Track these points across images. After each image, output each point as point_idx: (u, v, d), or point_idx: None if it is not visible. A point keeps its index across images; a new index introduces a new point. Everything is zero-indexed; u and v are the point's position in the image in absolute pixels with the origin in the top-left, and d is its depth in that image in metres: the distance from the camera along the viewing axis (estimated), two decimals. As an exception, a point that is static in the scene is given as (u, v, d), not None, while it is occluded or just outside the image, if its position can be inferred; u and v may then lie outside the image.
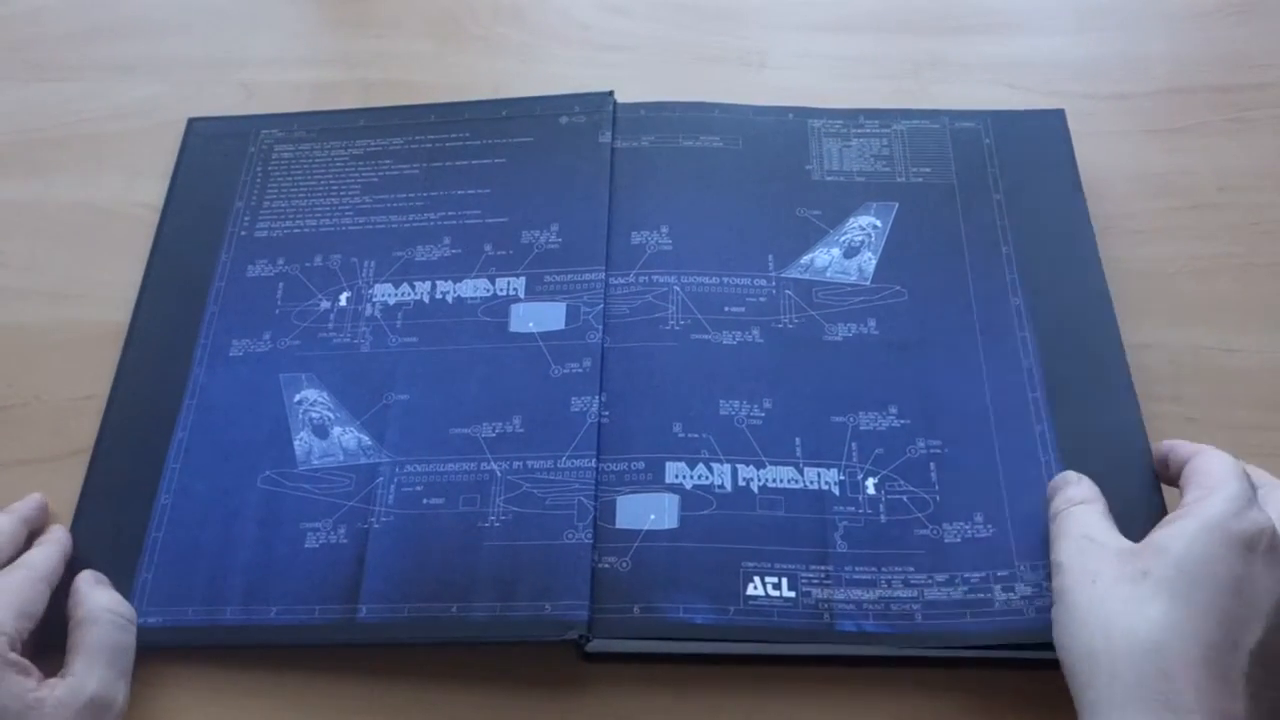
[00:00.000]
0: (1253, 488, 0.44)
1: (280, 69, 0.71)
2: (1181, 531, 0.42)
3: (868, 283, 0.59)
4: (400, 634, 0.49)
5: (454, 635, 0.48)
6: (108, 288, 0.62)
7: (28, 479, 0.55)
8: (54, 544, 0.50)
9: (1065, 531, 0.46)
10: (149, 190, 0.66)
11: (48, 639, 0.47)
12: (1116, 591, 0.41)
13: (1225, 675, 0.39)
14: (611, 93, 0.66)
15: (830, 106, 0.66)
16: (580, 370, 0.55)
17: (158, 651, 0.49)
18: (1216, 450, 0.47)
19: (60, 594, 0.48)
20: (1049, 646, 0.45)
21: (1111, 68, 0.70)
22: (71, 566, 0.50)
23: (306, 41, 0.74)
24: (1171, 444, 0.50)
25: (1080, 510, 0.47)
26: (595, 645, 0.49)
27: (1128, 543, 0.44)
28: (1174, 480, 0.48)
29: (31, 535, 0.52)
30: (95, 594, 0.48)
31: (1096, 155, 0.65)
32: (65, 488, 0.55)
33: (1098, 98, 0.68)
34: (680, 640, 0.49)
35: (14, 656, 0.43)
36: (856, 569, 0.50)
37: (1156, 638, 0.39)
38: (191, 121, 0.68)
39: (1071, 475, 0.50)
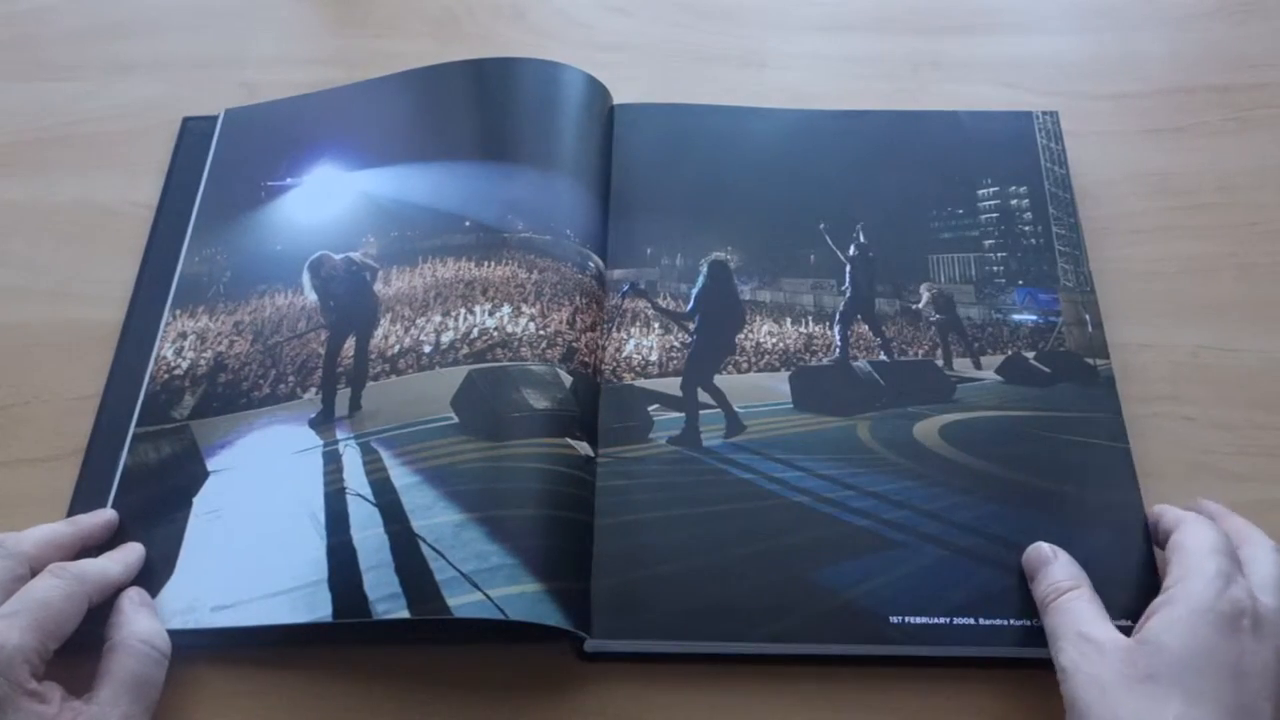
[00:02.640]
0: (1231, 560, 0.45)
1: (280, 69, 0.71)
2: (1172, 622, 0.43)
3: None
4: None
5: None
6: (107, 287, 0.62)
7: (27, 478, 0.56)
8: (117, 564, 0.49)
9: (1060, 630, 0.46)
10: (149, 189, 0.66)
11: (83, 638, 0.46)
12: (1128, 701, 0.41)
13: None
14: None
15: (831, 108, 0.66)
16: None
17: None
18: (1198, 523, 0.47)
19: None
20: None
21: (1111, 68, 0.70)
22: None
23: (306, 41, 0.74)
24: (1160, 510, 0.50)
25: (1070, 601, 0.46)
26: (593, 645, 0.49)
27: (1123, 639, 0.44)
28: (1163, 546, 0.48)
29: (90, 551, 0.51)
30: (135, 619, 0.47)
31: (1097, 155, 0.65)
32: (64, 487, 0.55)
33: (1098, 98, 0.68)
34: (679, 640, 0.49)
35: (33, 686, 0.42)
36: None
37: None
38: (187, 120, 0.68)
39: (1046, 550, 0.49)
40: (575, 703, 0.49)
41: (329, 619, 0.48)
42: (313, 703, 0.49)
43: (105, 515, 0.52)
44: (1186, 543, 0.46)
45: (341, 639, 0.50)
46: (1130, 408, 0.55)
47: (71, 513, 0.53)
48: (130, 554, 0.50)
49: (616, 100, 0.66)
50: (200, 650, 0.50)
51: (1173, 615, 0.43)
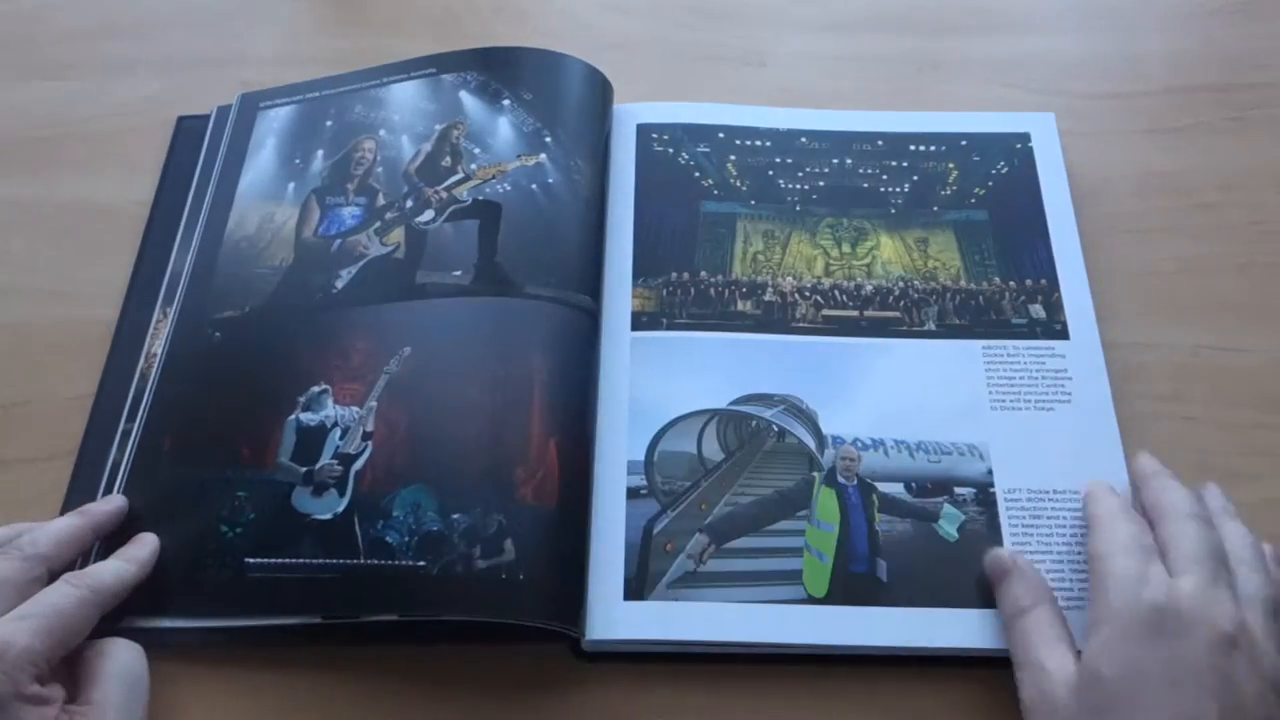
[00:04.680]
0: (1143, 554, 0.45)
1: (280, 68, 0.71)
2: (1102, 647, 0.43)
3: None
4: None
5: None
6: (104, 286, 0.62)
7: (26, 478, 0.55)
8: (132, 564, 0.49)
9: (1019, 657, 0.46)
10: (148, 188, 0.66)
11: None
12: None
13: None
14: None
15: (831, 109, 0.67)
16: None
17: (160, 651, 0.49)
18: (1111, 520, 0.47)
19: None
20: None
21: (1111, 68, 0.70)
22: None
23: (306, 41, 0.74)
24: (1087, 493, 0.51)
25: (1029, 623, 0.46)
26: (591, 644, 0.49)
27: (1073, 670, 0.43)
28: None
29: (102, 539, 0.51)
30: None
31: (1096, 155, 0.65)
32: (61, 486, 0.55)
33: (1098, 98, 0.68)
34: (676, 640, 0.49)
35: (33, 690, 0.41)
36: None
37: None
38: (182, 120, 0.68)
39: (1006, 560, 0.49)
40: (573, 702, 0.49)
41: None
42: (311, 703, 0.49)
43: (116, 502, 0.52)
44: (1099, 548, 0.46)
45: (338, 639, 0.50)
46: (1130, 407, 0.55)
47: (64, 512, 0.53)
48: (144, 549, 0.50)
49: (617, 101, 0.66)
50: (198, 650, 0.50)
51: (1100, 639, 0.43)
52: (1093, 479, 0.52)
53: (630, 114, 0.66)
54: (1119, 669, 0.42)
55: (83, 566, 0.49)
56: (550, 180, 0.61)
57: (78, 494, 0.54)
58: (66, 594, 0.45)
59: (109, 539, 0.51)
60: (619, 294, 0.59)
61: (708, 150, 0.65)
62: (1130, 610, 0.43)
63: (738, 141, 0.65)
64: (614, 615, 0.49)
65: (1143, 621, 0.42)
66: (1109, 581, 0.44)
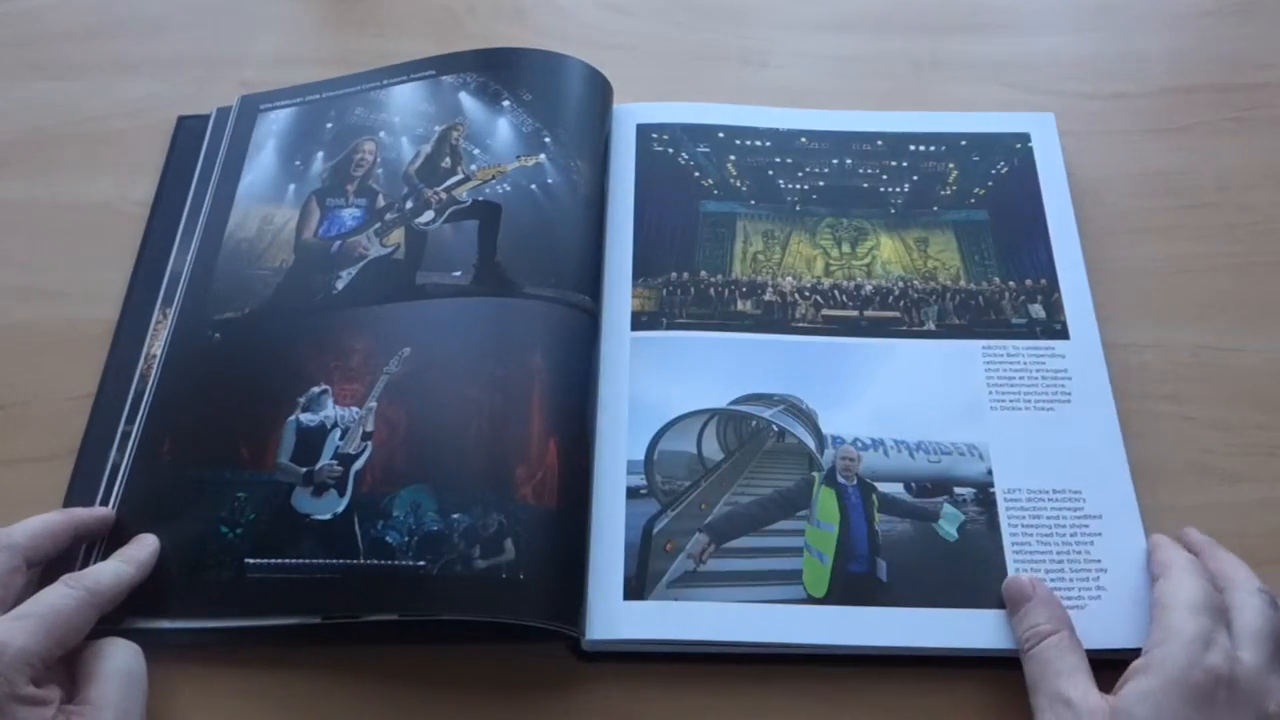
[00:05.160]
0: (1214, 617, 0.44)
1: (280, 68, 0.71)
2: (1146, 693, 0.42)
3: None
4: None
5: None
6: (105, 286, 0.62)
7: (26, 477, 0.55)
8: (131, 564, 0.49)
9: (1038, 685, 0.45)
10: (148, 188, 0.66)
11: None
12: None
13: None
14: None
15: (831, 109, 0.67)
16: None
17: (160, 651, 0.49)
18: (1183, 573, 0.47)
19: None
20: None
21: (1111, 68, 0.70)
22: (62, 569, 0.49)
23: (306, 41, 0.74)
24: (1155, 543, 0.50)
25: (1049, 651, 0.46)
26: (591, 644, 0.49)
27: (1098, 704, 0.43)
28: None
29: (103, 541, 0.51)
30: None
31: (1096, 155, 0.65)
32: (61, 486, 0.55)
33: (1098, 98, 0.68)
34: (676, 639, 0.49)
35: (29, 691, 0.41)
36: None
37: None
38: (181, 119, 0.68)
39: (1025, 584, 0.49)
40: (574, 702, 0.49)
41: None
42: (310, 703, 0.49)
43: (102, 512, 0.52)
44: (1168, 598, 0.46)
45: (338, 639, 0.50)
46: (1130, 407, 0.55)
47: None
48: (143, 550, 0.50)
49: (617, 101, 0.66)
50: (198, 650, 0.50)
51: (1147, 685, 0.43)
52: (1156, 534, 0.51)
53: (630, 114, 0.66)
54: (1156, 718, 0.42)
55: (81, 568, 0.49)
56: (550, 181, 0.61)
57: (77, 494, 0.54)
58: (65, 595, 0.45)
59: (111, 542, 0.51)
60: (619, 294, 0.59)
61: (708, 150, 0.65)
62: (1187, 669, 0.42)
63: (738, 141, 0.65)
64: (614, 615, 0.49)
65: (1197, 685, 0.42)
66: (1174, 636, 0.44)
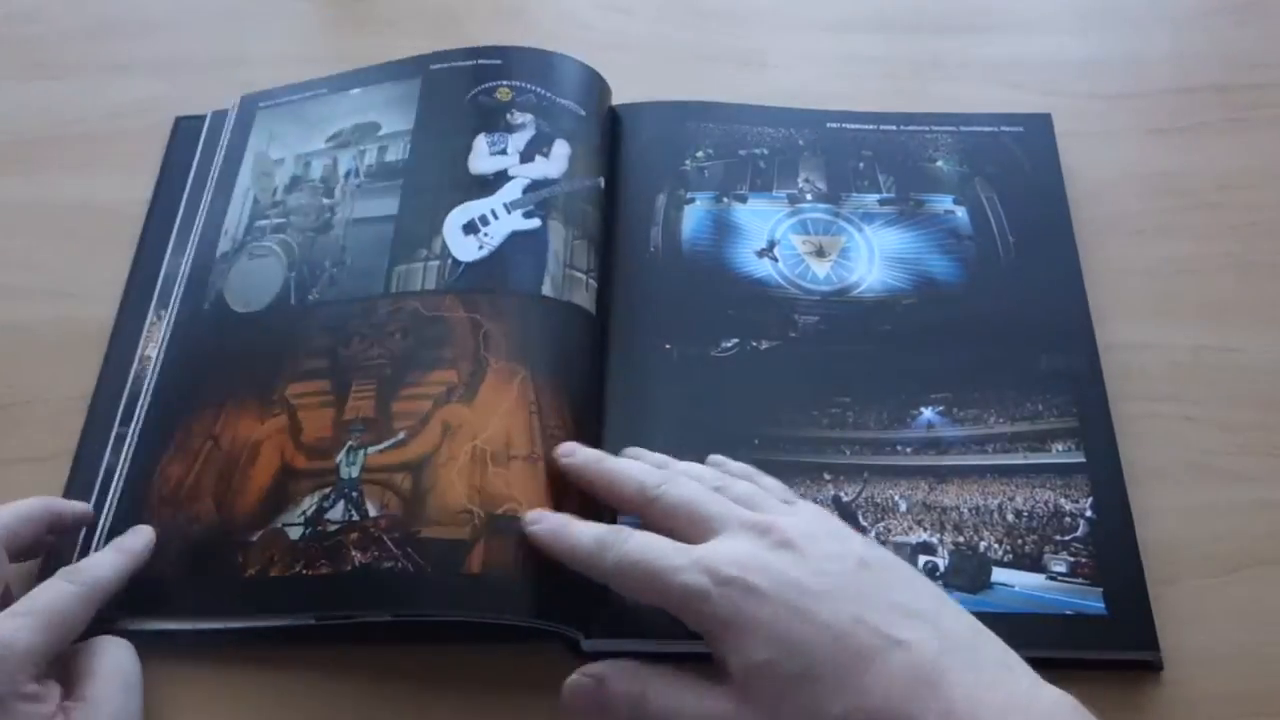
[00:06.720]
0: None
1: (280, 68, 0.71)
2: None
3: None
4: None
5: None
6: (103, 286, 0.62)
7: (25, 478, 0.55)
8: (127, 554, 0.49)
9: None
10: (147, 189, 0.66)
11: None
12: None
13: None
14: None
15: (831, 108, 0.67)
16: None
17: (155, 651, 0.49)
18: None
19: None
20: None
21: (1112, 68, 0.70)
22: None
23: (306, 41, 0.75)
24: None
25: None
26: (590, 644, 0.49)
27: None
28: None
29: (60, 533, 0.51)
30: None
31: (1096, 155, 0.65)
32: (59, 486, 0.54)
33: (1098, 98, 0.68)
34: (676, 639, 0.49)
35: (32, 688, 0.41)
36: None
37: None
38: (180, 120, 0.68)
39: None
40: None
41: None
42: (310, 703, 0.49)
43: (79, 506, 0.52)
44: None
45: (336, 639, 0.50)
46: (1129, 408, 0.55)
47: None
48: (138, 539, 0.50)
49: (617, 101, 0.66)
50: (195, 651, 0.50)
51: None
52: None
53: (629, 114, 0.66)
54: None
55: (71, 562, 0.49)
56: None
57: (75, 494, 0.54)
58: (63, 590, 0.45)
59: (111, 539, 0.51)
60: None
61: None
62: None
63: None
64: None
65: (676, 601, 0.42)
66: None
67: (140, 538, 0.50)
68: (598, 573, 0.44)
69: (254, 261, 0.60)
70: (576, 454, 0.50)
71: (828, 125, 0.66)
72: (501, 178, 0.60)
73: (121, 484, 0.54)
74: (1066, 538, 0.51)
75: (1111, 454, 0.53)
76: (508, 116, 0.62)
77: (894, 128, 0.65)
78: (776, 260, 0.61)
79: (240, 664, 0.50)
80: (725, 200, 0.63)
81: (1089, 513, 0.51)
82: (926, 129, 0.65)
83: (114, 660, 0.45)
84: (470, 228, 0.58)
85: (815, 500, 0.52)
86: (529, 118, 0.62)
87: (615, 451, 0.52)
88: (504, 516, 0.48)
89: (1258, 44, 0.70)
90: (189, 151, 0.66)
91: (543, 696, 0.49)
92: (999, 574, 0.50)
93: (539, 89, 0.63)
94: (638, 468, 0.48)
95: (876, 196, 0.63)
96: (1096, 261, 0.60)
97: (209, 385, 0.56)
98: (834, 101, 0.67)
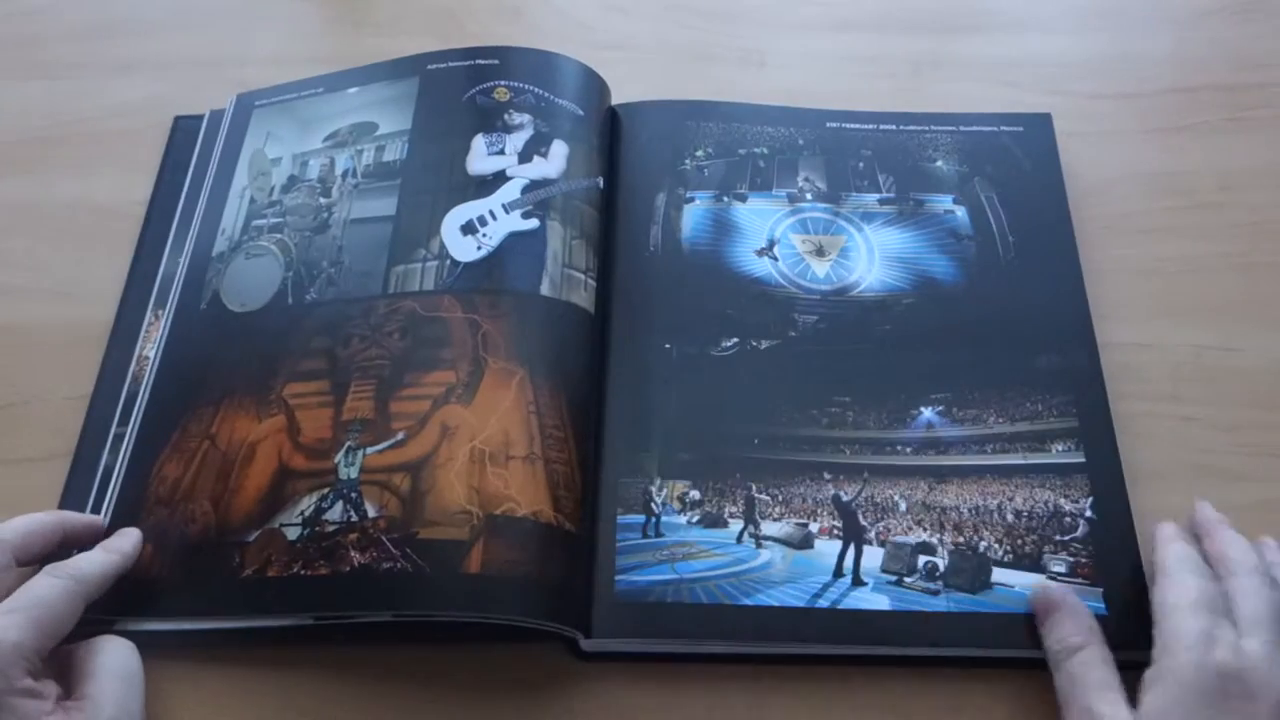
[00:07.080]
0: (1213, 613, 0.44)
1: (280, 68, 0.71)
2: (1164, 707, 0.42)
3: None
4: None
5: None
6: (103, 286, 0.62)
7: (25, 478, 0.56)
8: (115, 554, 0.49)
9: (1068, 699, 0.45)
10: (146, 189, 0.66)
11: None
12: None
13: None
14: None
15: (831, 108, 0.66)
16: None
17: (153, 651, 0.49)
18: (1179, 570, 0.46)
19: None
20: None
21: (1112, 67, 0.70)
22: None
23: (306, 41, 0.74)
24: (1157, 536, 0.49)
25: (1078, 666, 0.45)
26: (590, 644, 0.49)
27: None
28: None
29: (71, 545, 0.51)
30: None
31: (1097, 155, 0.65)
32: (59, 486, 0.55)
33: (1099, 97, 0.68)
34: (675, 639, 0.49)
35: (28, 684, 0.41)
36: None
37: None
38: (178, 120, 0.68)
39: (1055, 594, 0.48)
40: (573, 702, 0.49)
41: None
42: (309, 703, 0.49)
43: (91, 519, 0.52)
44: (1167, 599, 0.45)
45: (335, 639, 0.50)
46: (1129, 408, 0.55)
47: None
48: (126, 540, 0.50)
49: (616, 101, 0.66)
50: (193, 651, 0.50)
51: (1163, 697, 0.42)
52: (1163, 522, 0.50)
53: (628, 113, 0.66)
54: None
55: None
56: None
57: (74, 494, 0.54)
58: (50, 585, 0.45)
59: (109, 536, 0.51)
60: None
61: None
62: (1196, 672, 0.42)
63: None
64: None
65: (1208, 689, 0.42)
66: (1177, 638, 0.43)
67: (128, 539, 0.50)
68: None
69: (251, 261, 0.60)
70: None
71: (827, 125, 0.66)
72: (500, 178, 0.60)
73: (120, 483, 0.54)
74: (1066, 538, 0.51)
75: (1111, 454, 0.53)
76: (506, 117, 0.62)
77: (894, 127, 0.65)
78: (776, 259, 0.60)
79: (240, 664, 0.50)
80: (725, 199, 0.63)
81: (1089, 513, 0.51)
82: (926, 129, 0.65)
83: (115, 659, 0.45)
84: (468, 228, 0.58)
85: (815, 500, 0.52)
86: (527, 118, 0.62)
87: (616, 451, 0.52)
88: (503, 517, 0.48)
89: (1258, 44, 0.70)
90: (188, 151, 0.67)
91: (542, 696, 0.49)
92: (999, 574, 0.50)
93: (537, 89, 0.63)
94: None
95: (876, 196, 0.63)
96: (1096, 261, 0.60)
97: (206, 385, 0.56)
98: (834, 101, 0.67)
